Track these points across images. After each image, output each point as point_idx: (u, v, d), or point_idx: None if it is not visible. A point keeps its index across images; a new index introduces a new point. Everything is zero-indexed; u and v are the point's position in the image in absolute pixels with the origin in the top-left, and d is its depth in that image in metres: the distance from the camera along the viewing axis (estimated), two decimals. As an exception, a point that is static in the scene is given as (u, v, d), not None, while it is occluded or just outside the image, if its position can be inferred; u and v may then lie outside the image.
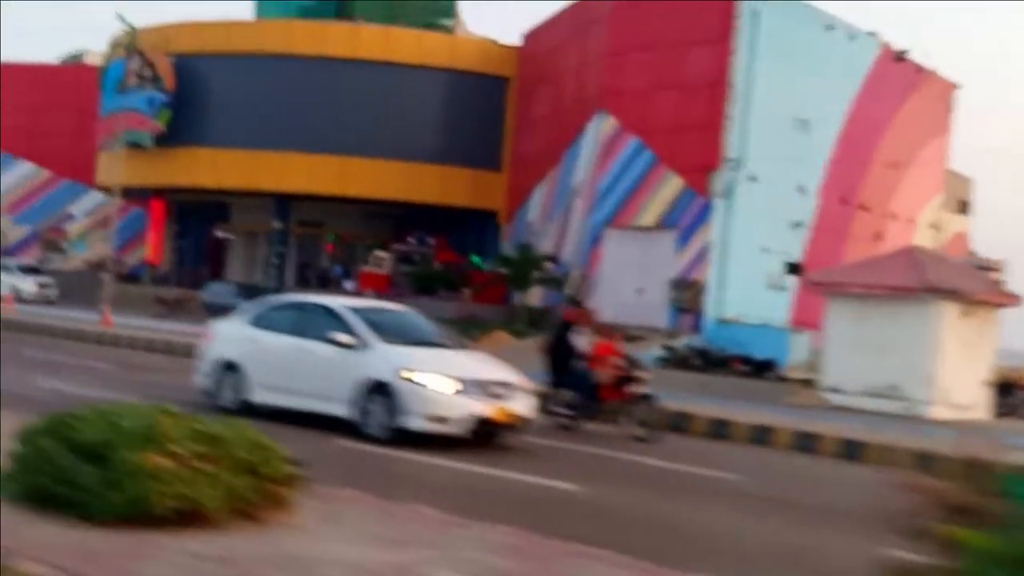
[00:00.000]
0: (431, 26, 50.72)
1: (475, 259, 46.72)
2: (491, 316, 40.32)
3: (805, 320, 37.92)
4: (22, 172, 63.06)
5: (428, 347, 15.53)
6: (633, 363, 18.22)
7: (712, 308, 34.98)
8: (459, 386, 14.36)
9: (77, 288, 51.01)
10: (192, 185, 48.35)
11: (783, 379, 28.83)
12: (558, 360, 18.43)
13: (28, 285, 47.42)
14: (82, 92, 63.01)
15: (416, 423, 14.21)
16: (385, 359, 14.70)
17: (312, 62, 46.46)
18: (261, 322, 16.44)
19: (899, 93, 42.01)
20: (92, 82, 63.37)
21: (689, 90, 35.99)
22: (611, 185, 37.72)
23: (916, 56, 43.37)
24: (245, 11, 52.47)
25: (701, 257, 35.25)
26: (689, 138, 35.78)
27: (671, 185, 36.06)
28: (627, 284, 37.10)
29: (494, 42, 48.64)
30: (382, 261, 45.93)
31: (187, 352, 22.93)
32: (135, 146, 48.14)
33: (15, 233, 62.97)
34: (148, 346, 28.59)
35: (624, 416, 17.61)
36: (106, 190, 56.91)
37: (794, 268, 37.80)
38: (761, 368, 31.37)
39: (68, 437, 7.63)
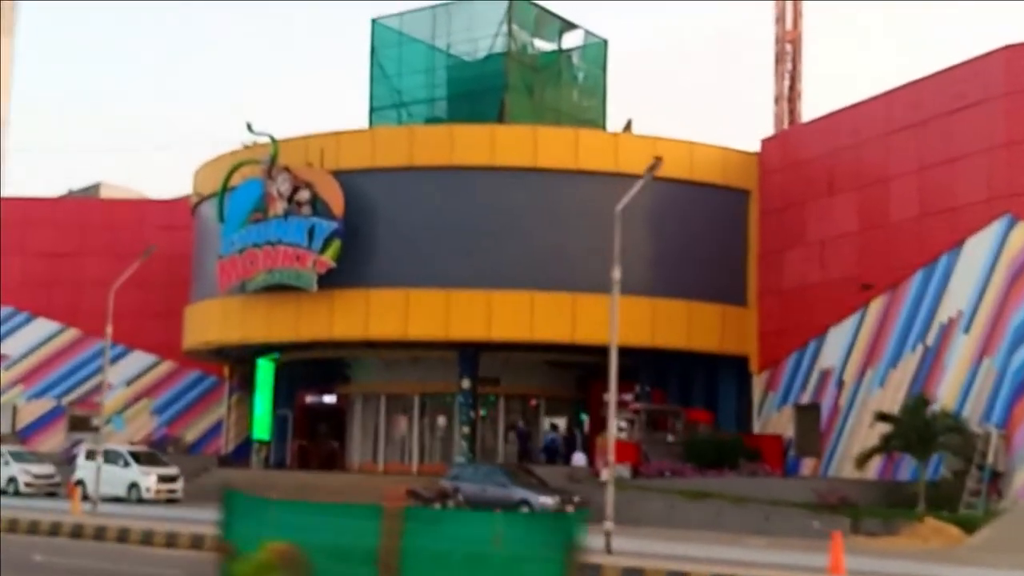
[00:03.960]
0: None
1: None
2: (855, 495, 30.16)
3: None
4: (40, 333, 50.16)
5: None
6: None
7: None
8: None
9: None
10: (360, 338, 37.01)
11: None
12: None
13: (148, 480, 35.07)
14: (115, 231, 51.29)
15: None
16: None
17: (517, 175, 36.33)
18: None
19: None
20: (127, 219, 51.95)
21: None
22: (1036, 314, 28.54)
23: None
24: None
25: None
26: None
27: None
28: (1084, 447, 27.69)
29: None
30: (631, 425, 35.30)
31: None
32: (287, 289, 36.78)
33: (31, 410, 49.86)
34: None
35: None
36: (196, 352, 45.04)
37: None
38: None
39: None
